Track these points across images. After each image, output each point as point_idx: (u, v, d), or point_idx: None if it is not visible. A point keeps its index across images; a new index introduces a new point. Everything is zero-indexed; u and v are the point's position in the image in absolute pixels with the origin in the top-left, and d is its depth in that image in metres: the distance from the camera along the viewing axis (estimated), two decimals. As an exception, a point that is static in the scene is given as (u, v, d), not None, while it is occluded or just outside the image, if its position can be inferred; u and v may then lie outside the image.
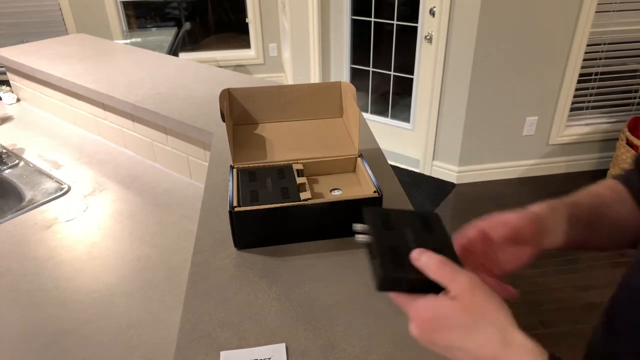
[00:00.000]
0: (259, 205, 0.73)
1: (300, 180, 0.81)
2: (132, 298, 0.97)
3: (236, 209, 0.72)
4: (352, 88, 0.94)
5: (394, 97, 3.20)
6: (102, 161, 1.51)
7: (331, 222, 0.76)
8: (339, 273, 0.71)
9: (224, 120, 0.89)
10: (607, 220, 0.64)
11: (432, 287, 0.48)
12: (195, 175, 1.38)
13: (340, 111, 1.01)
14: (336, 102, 1.01)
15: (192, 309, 0.65)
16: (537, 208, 0.59)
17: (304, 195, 0.76)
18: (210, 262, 0.74)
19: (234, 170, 0.83)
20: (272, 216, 0.74)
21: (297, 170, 0.84)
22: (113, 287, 1.00)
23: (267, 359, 0.58)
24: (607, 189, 0.67)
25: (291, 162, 0.87)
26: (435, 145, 2.94)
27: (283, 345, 0.60)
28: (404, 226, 0.55)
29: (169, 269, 1.05)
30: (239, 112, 0.98)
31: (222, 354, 0.59)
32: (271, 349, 0.59)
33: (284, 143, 0.93)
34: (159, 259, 1.08)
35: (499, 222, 0.54)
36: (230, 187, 0.78)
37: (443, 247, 0.51)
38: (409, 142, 3.10)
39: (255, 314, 0.64)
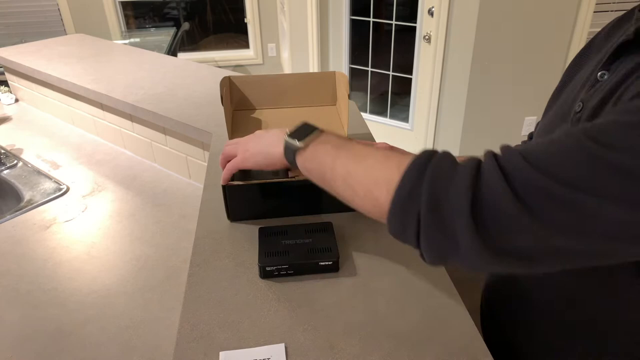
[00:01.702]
0: (250, 181, 0.80)
1: None
2: (131, 298, 0.97)
3: (228, 184, 0.79)
4: (345, 78, 0.99)
5: (393, 97, 3.21)
6: (101, 161, 1.51)
7: (319, 198, 0.83)
8: (337, 273, 0.71)
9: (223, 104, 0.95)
10: None
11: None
12: (195, 175, 1.38)
13: (334, 99, 1.05)
14: (330, 91, 1.05)
15: (192, 309, 0.65)
16: None
17: (292, 172, 0.82)
18: (210, 263, 0.74)
19: None
20: (261, 191, 0.81)
21: None
22: (112, 288, 1.00)
23: (267, 359, 0.58)
24: None
25: None
26: (434, 145, 2.94)
27: (282, 345, 0.60)
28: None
29: (169, 269, 1.05)
30: (239, 99, 1.03)
31: (222, 354, 0.59)
32: (270, 349, 0.59)
33: (279, 127, 0.97)
34: (159, 259, 1.08)
35: None
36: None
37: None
38: (408, 142, 3.10)
39: (255, 314, 0.64)
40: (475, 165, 0.46)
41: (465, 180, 0.44)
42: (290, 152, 0.64)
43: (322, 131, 0.64)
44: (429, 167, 0.47)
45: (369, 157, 0.55)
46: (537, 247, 0.42)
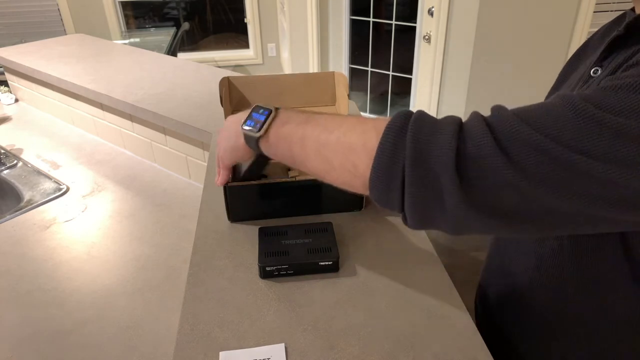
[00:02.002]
0: (250, 182, 0.80)
1: None
2: (131, 298, 0.97)
3: (229, 185, 0.78)
4: (345, 78, 0.99)
5: (393, 97, 3.21)
6: (101, 161, 1.51)
7: (319, 198, 0.83)
8: (338, 273, 0.71)
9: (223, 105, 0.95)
10: None
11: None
12: (194, 175, 1.38)
13: (333, 99, 1.06)
14: (329, 91, 1.05)
15: (192, 309, 0.65)
16: None
17: (291, 173, 0.83)
18: (210, 262, 0.74)
19: None
20: (261, 191, 0.81)
21: None
22: (112, 287, 1.00)
23: (267, 359, 0.58)
24: None
25: None
26: (434, 145, 2.94)
27: (282, 345, 0.60)
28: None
29: (168, 269, 1.05)
30: (238, 99, 1.03)
31: (222, 354, 0.59)
32: (270, 349, 0.59)
33: None
34: (158, 259, 1.08)
35: None
36: None
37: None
38: (408, 142, 3.10)
39: (255, 314, 0.64)
40: (457, 120, 0.46)
41: (448, 133, 0.44)
42: (252, 142, 0.60)
43: (277, 110, 0.60)
44: (409, 124, 0.46)
45: (341, 125, 0.52)
46: (521, 204, 0.42)
